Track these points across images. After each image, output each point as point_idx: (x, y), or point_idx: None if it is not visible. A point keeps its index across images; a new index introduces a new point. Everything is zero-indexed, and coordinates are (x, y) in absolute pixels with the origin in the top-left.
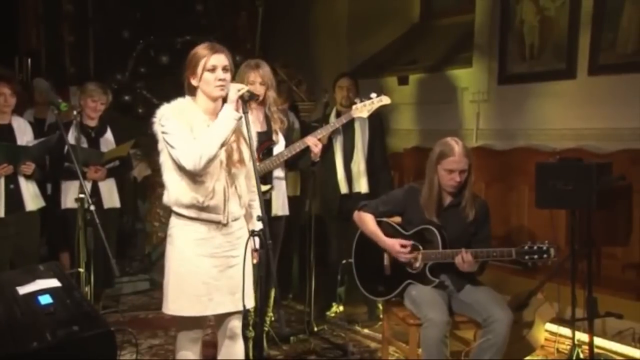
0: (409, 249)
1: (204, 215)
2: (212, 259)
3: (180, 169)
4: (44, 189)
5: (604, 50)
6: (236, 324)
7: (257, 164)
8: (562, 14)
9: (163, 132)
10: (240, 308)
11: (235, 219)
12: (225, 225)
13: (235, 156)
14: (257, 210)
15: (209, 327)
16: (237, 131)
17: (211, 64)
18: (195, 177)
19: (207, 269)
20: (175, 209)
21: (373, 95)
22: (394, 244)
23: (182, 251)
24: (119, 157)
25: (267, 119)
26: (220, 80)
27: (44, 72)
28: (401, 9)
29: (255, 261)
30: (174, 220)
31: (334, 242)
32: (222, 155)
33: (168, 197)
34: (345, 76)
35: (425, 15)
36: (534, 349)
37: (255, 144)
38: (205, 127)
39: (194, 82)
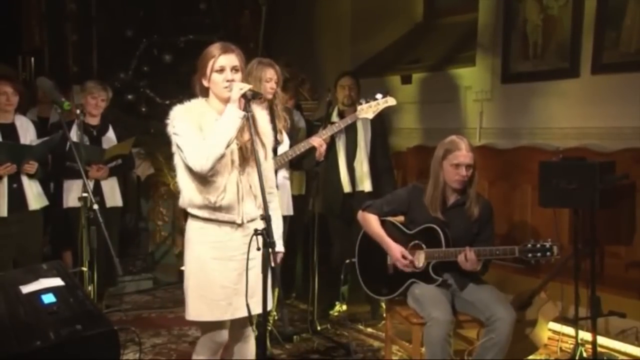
0: (408, 261)
1: (218, 215)
2: (231, 262)
3: (190, 170)
4: (47, 188)
5: (607, 49)
6: (248, 325)
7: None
8: (565, 13)
9: (174, 134)
10: (259, 311)
11: (252, 220)
12: (240, 225)
13: (250, 155)
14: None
15: None
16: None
17: (219, 65)
18: (206, 177)
19: (226, 272)
20: (190, 210)
21: (378, 96)
22: (396, 252)
23: (199, 255)
24: (121, 155)
25: (273, 118)
26: (228, 81)
27: (47, 71)
28: (404, 8)
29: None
30: (190, 223)
31: (337, 241)
32: (235, 154)
33: (182, 199)
34: (347, 75)
35: (428, 14)
36: (537, 348)
37: (271, 140)
38: None
39: (204, 83)
